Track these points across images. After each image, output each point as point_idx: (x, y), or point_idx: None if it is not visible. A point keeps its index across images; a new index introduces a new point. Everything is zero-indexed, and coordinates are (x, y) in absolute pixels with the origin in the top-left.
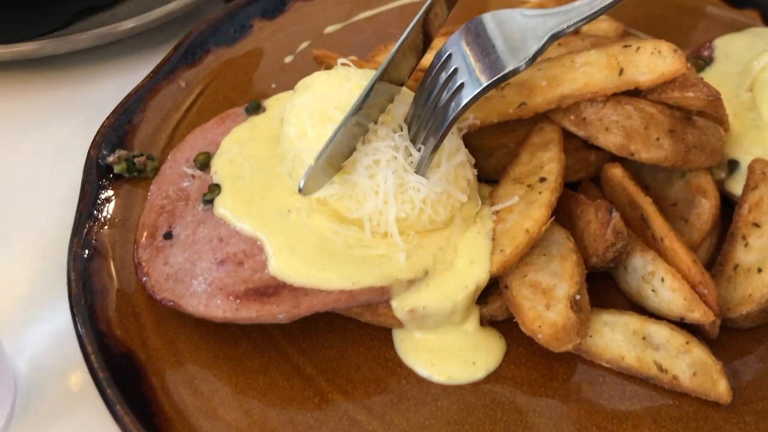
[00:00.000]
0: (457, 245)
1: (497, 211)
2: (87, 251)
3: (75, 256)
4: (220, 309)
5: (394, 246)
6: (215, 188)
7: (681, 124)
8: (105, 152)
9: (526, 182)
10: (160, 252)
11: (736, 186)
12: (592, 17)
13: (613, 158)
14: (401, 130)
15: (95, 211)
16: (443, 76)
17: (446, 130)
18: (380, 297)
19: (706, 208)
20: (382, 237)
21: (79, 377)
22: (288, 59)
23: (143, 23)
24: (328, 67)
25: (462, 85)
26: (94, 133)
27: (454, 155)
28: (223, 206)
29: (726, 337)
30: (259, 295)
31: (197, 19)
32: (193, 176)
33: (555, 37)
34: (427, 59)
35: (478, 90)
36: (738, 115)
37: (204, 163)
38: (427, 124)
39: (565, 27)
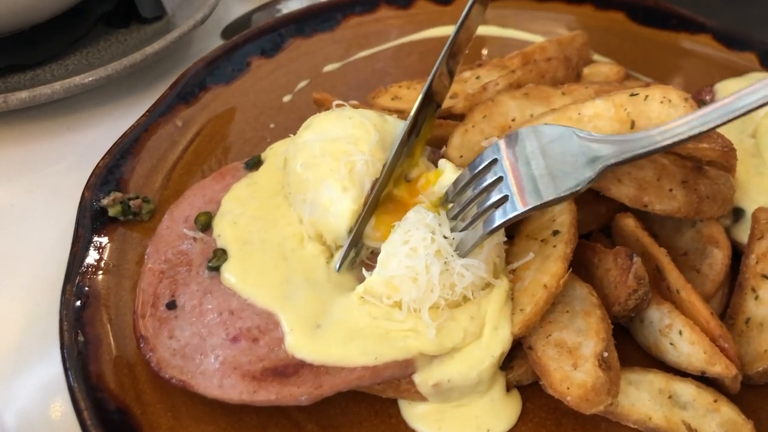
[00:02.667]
0: (486, 312)
1: (513, 270)
2: (80, 299)
3: (68, 305)
4: (236, 391)
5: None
6: (221, 254)
7: (693, 175)
8: (99, 194)
9: (540, 237)
10: (164, 324)
11: (742, 234)
12: (659, 150)
13: (623, 208)
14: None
15: (89, 257)
16: (488, 177)
17: (494, 230)
18: (405, 371)
19: (719, 258)
20: (411, 311)
21: None
22: (286, 98)
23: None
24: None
25: (507, 198)
26: (88, 174)
27: (494, 236)
28: (231, 275)
29: (745, 393)
30: (278, 375)
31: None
32: (194, 239)
33: (609, 168)
34: None
35: (520, 212)
36: (742, 162)
37: (206, 224)
38: (472, 212)
39: (624, 159)
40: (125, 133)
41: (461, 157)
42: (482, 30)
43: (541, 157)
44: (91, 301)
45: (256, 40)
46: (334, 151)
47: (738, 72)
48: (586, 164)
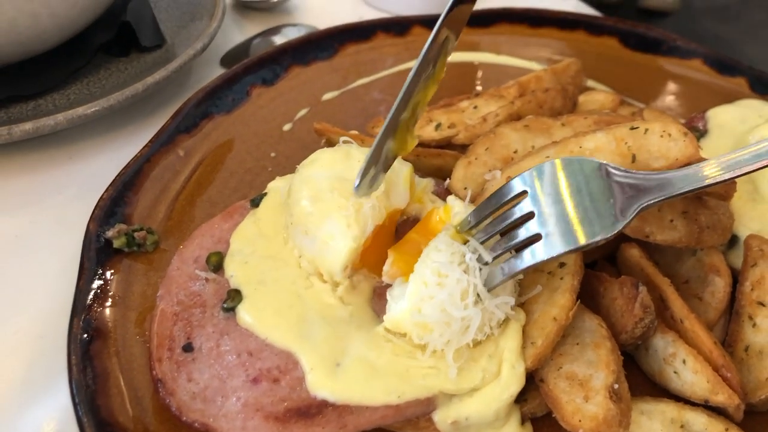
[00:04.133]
0: (503, 350)
1: (522, 303)
2: (87, 333)
3: (75, 339)
4: None
5: (444, 359)
6: (235, 295)
7: (693, 205)
8: (104, 227)
9: (546, 269)
10: (181, 367)
11: (737, 260)
12: (694, 190)
13: (625, 238)
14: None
15: (95, 289)
16: (517, 211)
17: (526, 269)
18: (426, 409)
19: (720, 286)
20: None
21: None
22: (286, 127)
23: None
24: (329, 140)
25: (538, 236)
26: (91, 204)
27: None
28: (247, 315)
29: (751, 420)
30: (302, 416)
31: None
32: (206, 279)
33: (645, 209)
34: None
35: (554, 255)
36: None
37: (217, 264)
38: (496, 243)
39: (661, 200)
40: (128, 164)
41: (465, 189)
42: (477, 57)
43: (575, 194)
44: (98, 334)
45: (256, 68)
46: (343, 190)
47: (728, 97)
48: (622, 205)
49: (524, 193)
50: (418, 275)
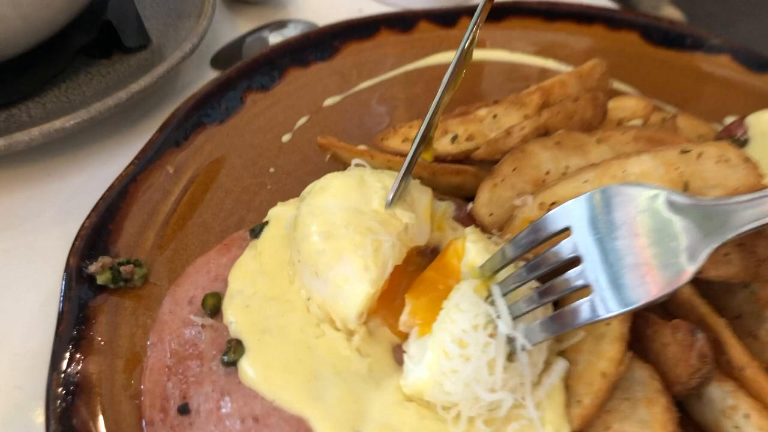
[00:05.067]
0: (546, 410)
1: (562, 351)
2: (68, 388)
3: (54, 398)
4: None
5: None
6: (236, 346)
7: (750, 236)
8: (86, 260)
9: None
10: None
11: None
12: None
13: None
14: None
15: (76, 336)
16: (560, 255)
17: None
18: None
19: None
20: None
21: None
22: (286, 138)
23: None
24: (335, 155)
25: (587, 288)
26: (72, 229)
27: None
28: (251, 372)
29: None
30: None
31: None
32: (203, 325)
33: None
34: None
35: (606, 317)
36: None
37: (215, 307)
38: (534, 301)
39: (738, 235)
40: (112, 185)
41: (491, 215)
42: (490, 55)
43: (630, 234)
44: (80, 390)
45: (251, 72)
46: (359, 225)
47: (763, 97)
48: (690, 245)
49: (566, 230)
50: (437, 341)
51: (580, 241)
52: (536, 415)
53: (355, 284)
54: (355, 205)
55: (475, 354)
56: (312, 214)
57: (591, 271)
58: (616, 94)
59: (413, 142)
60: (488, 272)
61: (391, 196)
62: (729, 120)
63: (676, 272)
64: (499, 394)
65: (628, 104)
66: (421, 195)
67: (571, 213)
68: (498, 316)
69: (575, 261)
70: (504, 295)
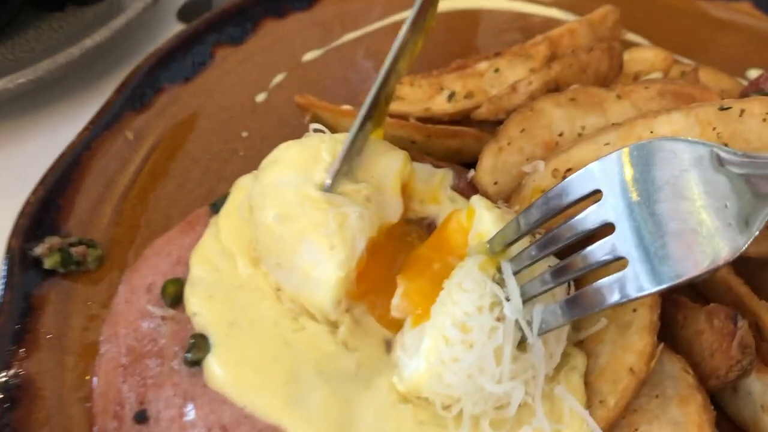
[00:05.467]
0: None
1: (580, 341)
2: (8, 394)
3: None
4: None
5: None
6: (201, 342)
7: None
8: (31, 242)
9: None
10: None
11: None
12: None
13: None
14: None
15: (19, 328)
16: (588, 223)
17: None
18: None
19: None
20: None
21: None
22: (260, 97)
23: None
24: (316, 117)
25: (621, 261)
26: (16, 209)
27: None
28: (218, 373)
29: None
30: None
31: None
32: (162, 317)
33: None
34: None
35: (648, 292)
36: None
37: (176, 296)
38: (551, 280)
39: None
40: (62, 154)
41: (496, 184)
42: (488, 3)
43: (673, 196)
44: (23, 394)
45: (221, 24)
46: (317, 200)
47: None
48: (744, 209)
49: (595, 194)
50: (435, 326)
51: (612, 207)
52: (547, 424)
53: (323, 269)
54: (310, 178)
55: (479, 340)
56: (264, 194)
57: (625, 241)
58: (628, 45)
59: (357, 119)
60: (499, 246)
61: (329, 182)
62: (751, 73)
63: (728, 239)
64: (507, 384)
65: (646, 56)
66: (389, 162)
67: (600, 174)
68: (507, 298)
69: (602, 231)
70: (516, 273)
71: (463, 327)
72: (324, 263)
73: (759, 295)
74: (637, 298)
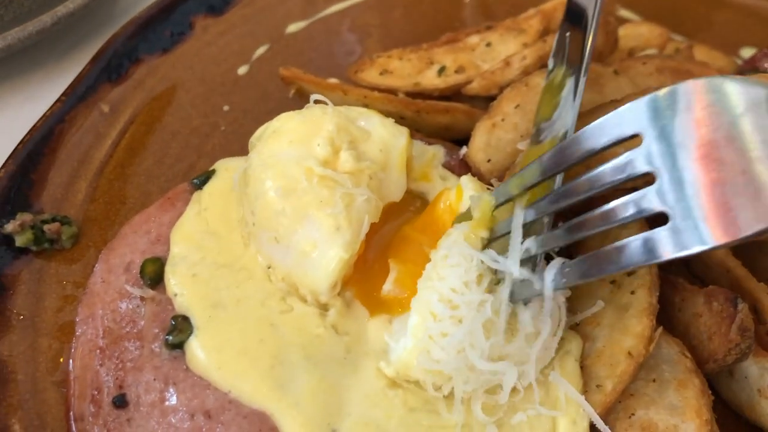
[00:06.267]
0: (557, 396)
1: (576, 324)
2: None
3: None
4: None
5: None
6: (183, 323)
7: None
8: (2, 218)
9: (609, 277)
10: (112, 430)
11: None
12: None
13: None
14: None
15: None
16: (625, 170)
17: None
18: None
19: None
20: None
21: None
22: (242, 70)
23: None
24: (301, 90)
25: (662, 219)
26: None
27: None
28: (202, 354)
29: None
30: None
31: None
32: (142, 298)
33: None
34: None
35: (691, 252)
36: None
37: (156, 276)
38: (564, 235)
39: None
40: (34, 126)
41: (489, 161)
42: None
43: (724, 144)
44: None
45: None
46: (325, 177)
47: None
48: None
49: (632, 139)
50: (422, 302)
51: (655, 154)
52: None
53: (325, 249)
54: (314, 151)
55: (468, 315)
56: (265, 166)
57: (667, 193)
58: (621, 21)
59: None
60: (516, 189)
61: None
62: (745, 51)
63: None
64: (499, 364)
65: (641, 31)
66: (394, 138)
67: (641, 115)
68: (506, 256)
69: (647, 180)
70: (528, 225)
71: (450, 303)
72: (327, 243)
73: (757, 278)
74: (672, 258)
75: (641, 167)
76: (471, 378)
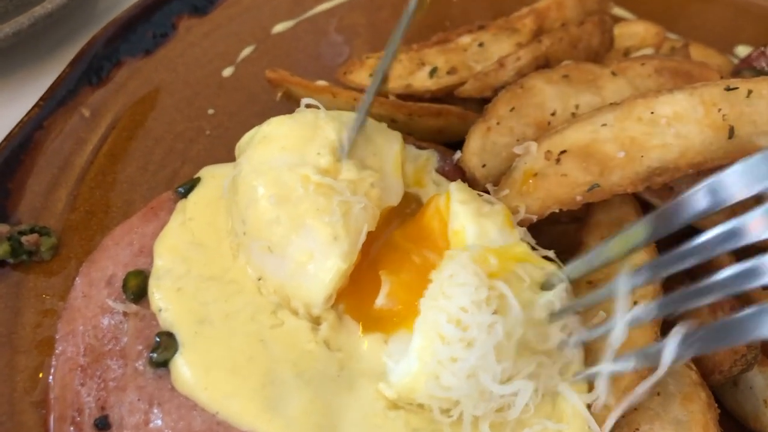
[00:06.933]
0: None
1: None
2: None
3: None
4: None
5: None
6: (168, 341)
7: None
8: None
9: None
10: None
11: None
12: None
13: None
14: None
15: None
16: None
17: None
18: None
19: None
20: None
21: None
22: (227, 72)
23: None
24: (288, 93)
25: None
26: None
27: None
28: (188, 373)
29: None
30: None
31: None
32: (125, 313)
33: None
34: None
35: None
36: None
37: (138, 290)
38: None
39: None
40: (11, 132)
41: (484, 166)
42: None
43: None
44: None
45: None
46: (321, 185)
47: None
48: None
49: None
50: (427, 323)
51: None
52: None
53: (322, 260)
54: (307, 158)
55: (479, 337)
56: (257, 173)
57: None
58: (615, 20)
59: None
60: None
61: (346, 146)
62: (739, 50)
63: None
64: (516, 384)
65: (636, 30)
66: (388, 143)
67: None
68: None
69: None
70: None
71: (459, 323)
72: (324, 253)
73: None
74: None
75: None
76: (480, 402)
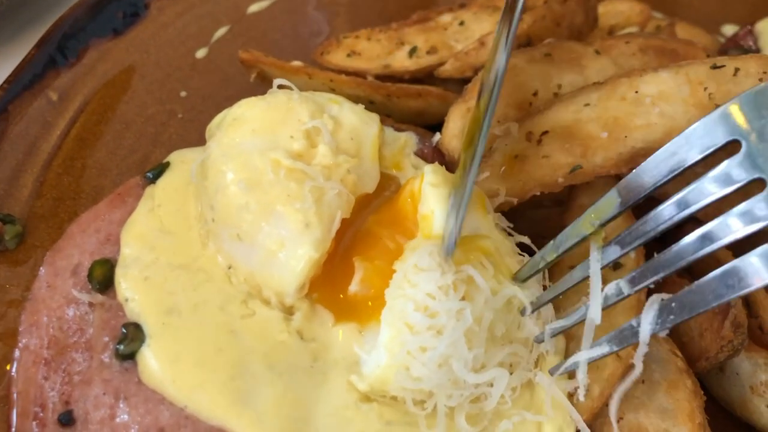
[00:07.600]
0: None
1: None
2: None
3: None
4: None
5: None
6: (134, 332)
7: None
8: None
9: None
10: None
11: None
12: None
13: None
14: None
15: None
16: (726, 181)
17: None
18: None
19: None
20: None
21: None
22: (201, 53)
23: None
24: (262, 74)
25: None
26: None
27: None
28: (155, 365)
29: None
30: None
31: None
32: (90, 304)
33: None
34: None
35: None
36: None
37: (105, 279)
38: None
39: None
40: None
41: None
42: None
43: None
44: None
45: None
46: (293, 170)
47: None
48: None
49: (733, 145)
50: (394, 313)
51: (759, 156)
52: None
53: (293, 248)
54: (280, 141)
55: (448, 324)
56: (226, 157)
57: None
58: None
59: (474, 163)
60: (589, 228)
61: (449, 248)
62: (726, 28)
63: None
64: (490, 372)
65: (621, 8)
66: (366, 126)
67: (734, 118)
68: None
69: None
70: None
71: (426, 310)
72: (296, 241)
73: None
74: None
75: (747, 174)
76: (454, 392)
